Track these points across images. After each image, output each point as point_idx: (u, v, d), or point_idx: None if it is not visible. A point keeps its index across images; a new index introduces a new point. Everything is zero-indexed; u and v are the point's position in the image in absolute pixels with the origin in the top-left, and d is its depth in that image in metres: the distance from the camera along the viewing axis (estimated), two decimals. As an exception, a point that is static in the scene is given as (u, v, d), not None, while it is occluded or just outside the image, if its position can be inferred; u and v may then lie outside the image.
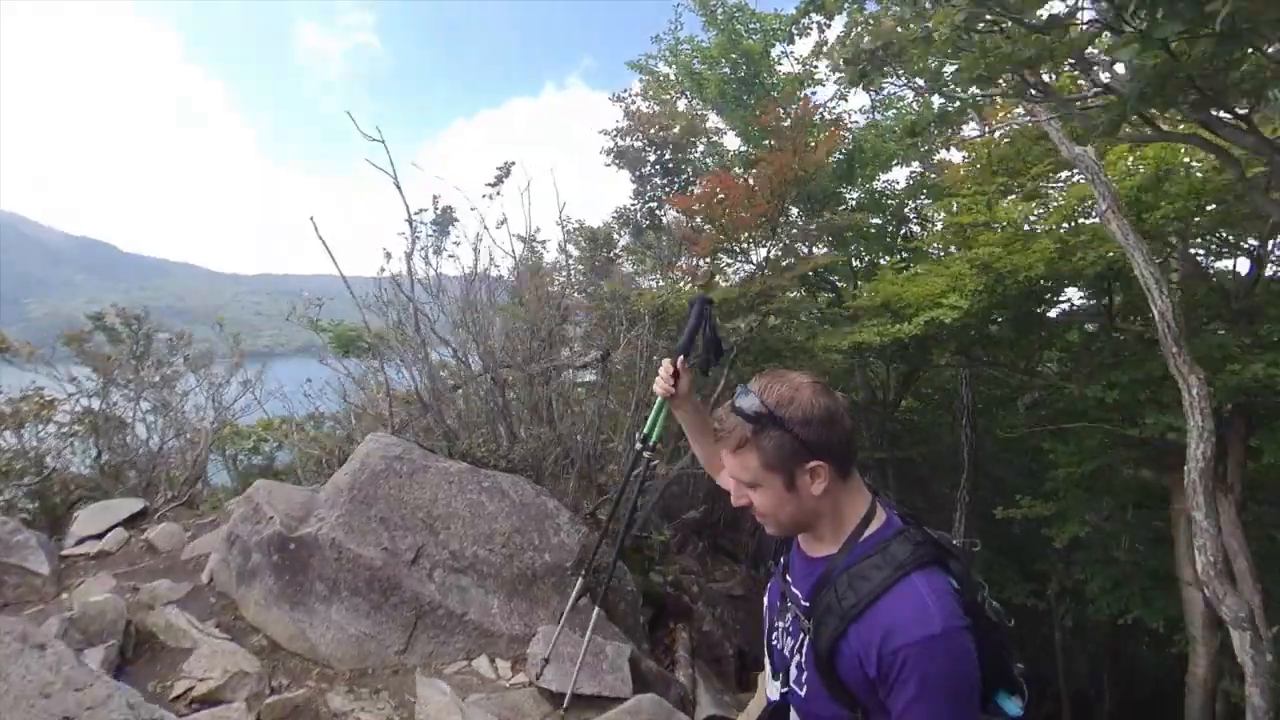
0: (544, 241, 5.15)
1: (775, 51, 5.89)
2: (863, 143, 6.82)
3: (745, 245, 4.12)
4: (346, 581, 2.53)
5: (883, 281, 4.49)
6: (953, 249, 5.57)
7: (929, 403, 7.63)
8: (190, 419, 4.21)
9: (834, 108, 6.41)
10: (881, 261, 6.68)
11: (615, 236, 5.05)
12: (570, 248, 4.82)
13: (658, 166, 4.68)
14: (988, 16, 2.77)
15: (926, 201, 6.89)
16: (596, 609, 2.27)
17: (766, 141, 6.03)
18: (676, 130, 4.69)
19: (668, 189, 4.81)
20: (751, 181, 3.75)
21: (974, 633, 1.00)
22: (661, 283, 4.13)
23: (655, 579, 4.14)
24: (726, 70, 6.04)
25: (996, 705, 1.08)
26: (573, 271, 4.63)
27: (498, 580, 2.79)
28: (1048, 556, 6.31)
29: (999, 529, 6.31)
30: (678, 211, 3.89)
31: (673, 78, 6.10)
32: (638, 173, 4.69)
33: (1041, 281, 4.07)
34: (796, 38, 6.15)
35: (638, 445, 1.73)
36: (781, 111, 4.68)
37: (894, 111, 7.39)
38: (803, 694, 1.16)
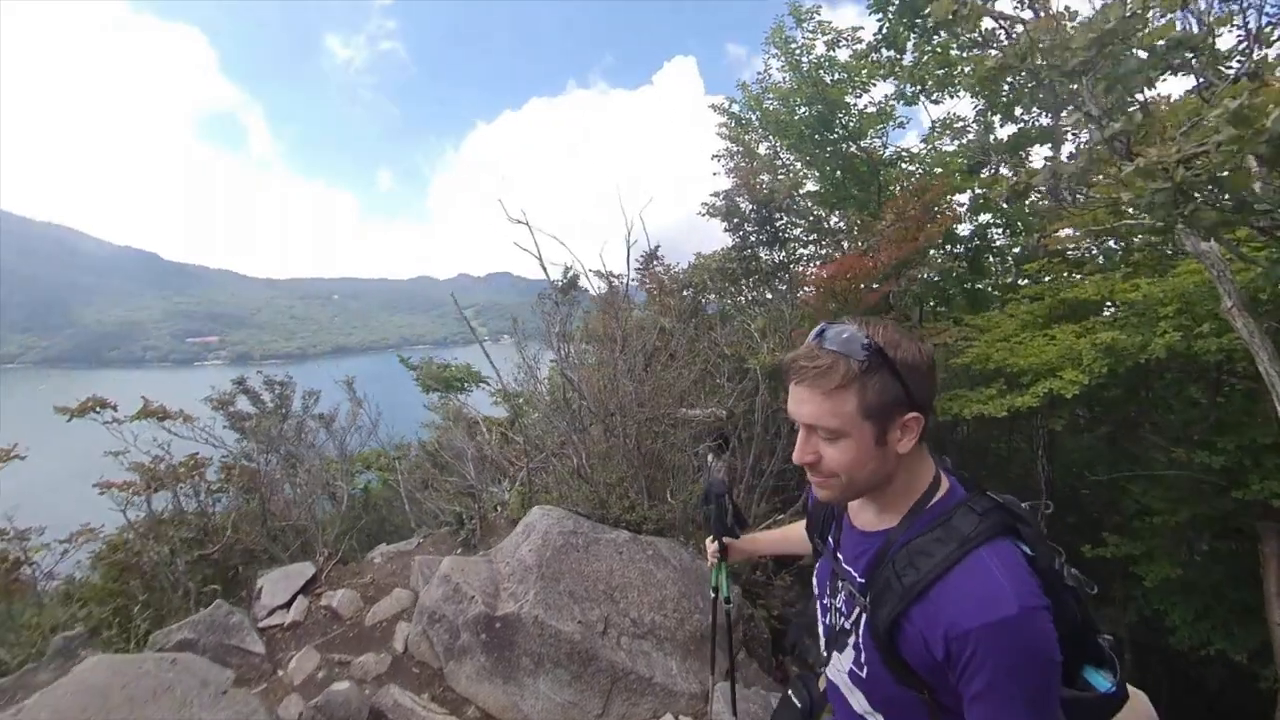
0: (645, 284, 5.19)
1: (853, 99, 5.86)
2: (931, 175, 6.79)
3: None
4: (549, 655, 2.60)
5: (991, 347, 4.42)
6: (1026, 294, 5.51)
7: (998, 427, 7.56)
8: (327, 475, 4.29)
9: (917, 155, 6.37)
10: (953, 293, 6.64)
11: (707, 282, 5.08)
12: (667, 299, 4.88)
13: (753, 218, 4.70)
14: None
15: (998, 233, 6.82)
16: (754, 664, 2.35)
17: (850, 187, 6.02)
18: (767, 179, 4.70)
19: (760, 239, 4.83)
20: (876, 262, 3.74)
21: (1052, 610, 0.88)
22: (776, 346, 4.12)
23: (761, 613, 4.17)
24: (804, 112, 6.05)
25: (1085, 681, 0.96)
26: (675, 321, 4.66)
27: (674, 643, 2.87)
28: (1126, 584, 6.22)
29: (1079, 557, 6.24)
30: (810, 286, 3.88)
31: (755, 122, 6.13)
32: (735, 223, 4.71)
33: (1159, 359, 3.98)
34: (871, 78, 6.16)
35: (712, 594, 1.83)
36: (896, 189, 4.64)
37: (949, 136, 7.35)
38: (864, 675, 1.04)
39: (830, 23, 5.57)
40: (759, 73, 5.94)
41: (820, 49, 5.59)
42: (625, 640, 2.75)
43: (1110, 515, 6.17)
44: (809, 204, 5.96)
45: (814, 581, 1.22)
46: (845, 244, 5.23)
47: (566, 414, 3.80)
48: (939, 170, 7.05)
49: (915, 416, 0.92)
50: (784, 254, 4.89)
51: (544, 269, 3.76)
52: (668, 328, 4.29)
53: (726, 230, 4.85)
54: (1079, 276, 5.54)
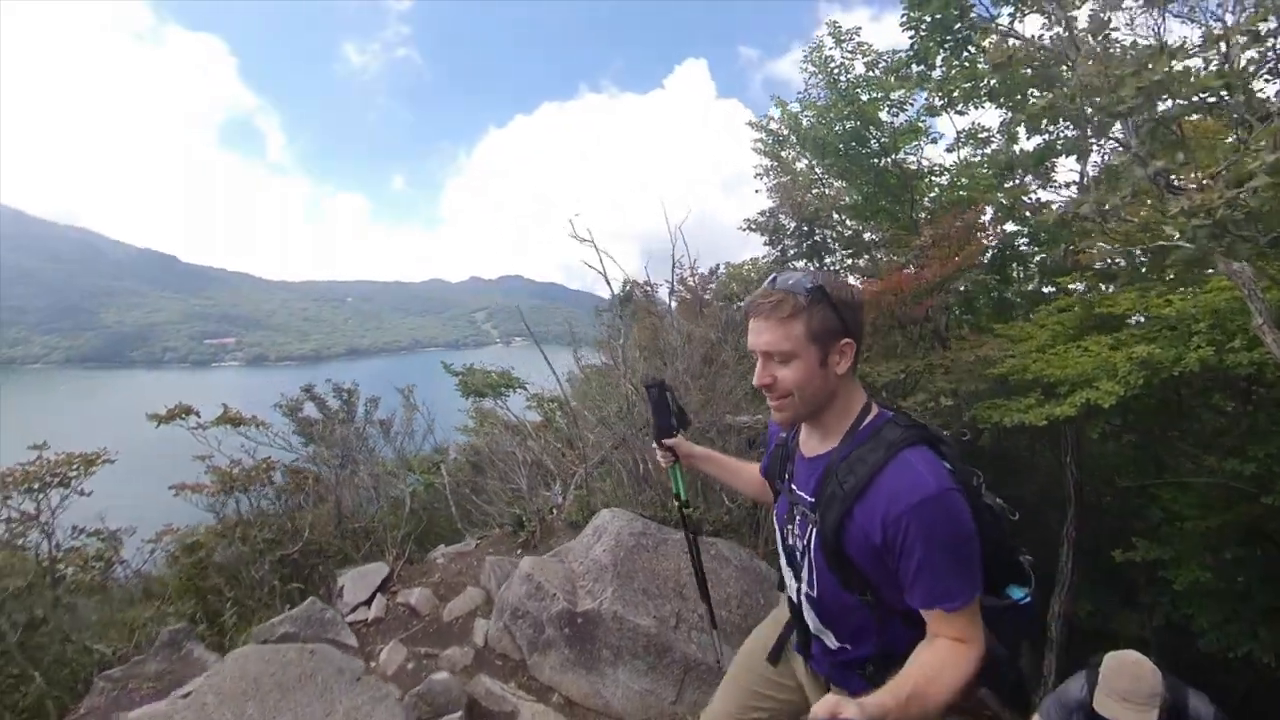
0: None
1: (886, 115, 5.98)
2: (958, 185, 6.89)
3: (905, 330, 4.22)
4: (627, 647, 2.74)
5: (1028, 357, 4.51)
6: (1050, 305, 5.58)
7: (1024, 434, 7.63)
8: (390, 479, 4.45)
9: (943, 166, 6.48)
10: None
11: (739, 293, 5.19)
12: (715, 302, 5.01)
13: (793, 233, 4.82)
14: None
15: (1024, 242, 6.90)
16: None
17: (882, 200, 6.14)
18: (811, 198, 4.81)
19: (799, 252, 4.95)
20: (921, 278, 3.86)
21: (966, 497, 1.04)
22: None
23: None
24: (840, 128, 6.17)
25: (1005, 593, 1.14)
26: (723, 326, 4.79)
27: (739, 635, 2.98)
28: (1153, 589, 6.26)
29: (1107, 561, 6.28)
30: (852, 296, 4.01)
31: (792, 139, 6.27)
32: (774, 239, 4.84)
33: (1191, 372, 4.07)
34: (906, 95, 6.27)
35: (680, 508, 1.85)
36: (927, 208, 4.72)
37: (973, 145, 7.44)
38: (815, 593, 1.21)
39: (869, 44, 5.71)
40: (799, 92, 6.08)
41: (859, 69, 5.72)
42: (695, 634, 2.88)
43: (1138, 520, 6.22)
44: (844, 217, 6.07)
45: (774, 520, 1.40)
46: (880, 256, 5.33)
47: (627, 420, 3.94)
48: (966, 181, 7.16)
49: (849, 342, 1.11)
50: (820, 266, 5.00)
51: (608, 283, 3.91)
52: (714, 339, 4.41)
53: (766, 244, 4.99)
54: (1109, 288, 5.62)
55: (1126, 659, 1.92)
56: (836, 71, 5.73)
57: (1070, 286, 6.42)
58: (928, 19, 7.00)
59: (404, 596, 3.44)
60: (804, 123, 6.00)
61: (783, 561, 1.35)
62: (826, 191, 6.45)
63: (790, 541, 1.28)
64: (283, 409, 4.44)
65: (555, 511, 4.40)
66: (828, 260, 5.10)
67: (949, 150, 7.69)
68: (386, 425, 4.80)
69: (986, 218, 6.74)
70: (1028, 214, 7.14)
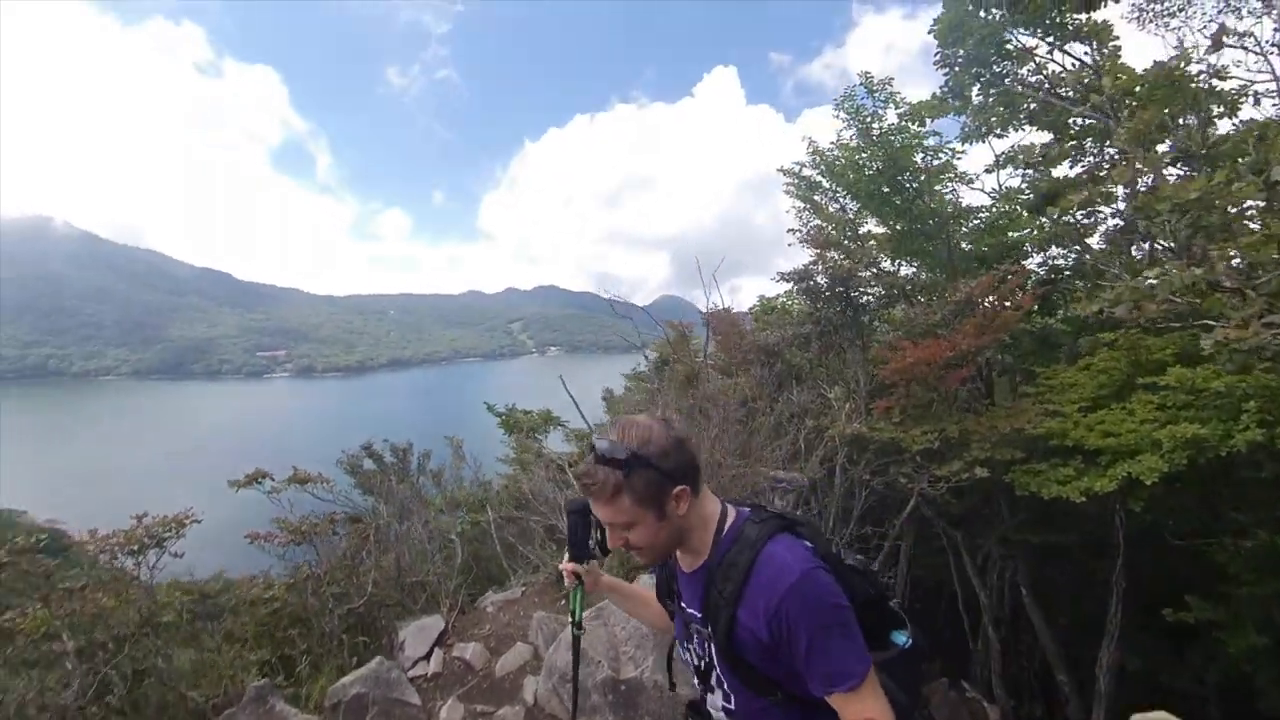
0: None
1: (919, 157, 6.00)
2: (997, 217, 6.82)
3: (943, 397, 4.24)
4: (667, 714, 2.88)
5: (1069, 421, 4.44)
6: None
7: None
8: (441, 527, 4.71)
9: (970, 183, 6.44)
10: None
11: (787, 353, 5.27)
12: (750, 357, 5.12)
13: (826, 294, 4.88)
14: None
15: (1067, 272, 6.77)
16: None
17: (918, 239, 6.14)
18: (844, 258, 4.87)
19: (835, 314, 4.99)
20: (956, 348, 3.87)
21: (830, 571, 1.09)
22: (853, 413, 4.30)
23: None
24: (870, 169, 6.23)
25: (890, 641, 1.18)
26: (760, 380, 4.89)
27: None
28: (1209, 644, 6.00)
29: (1159, 622, 6.06)
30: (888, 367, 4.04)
31: (824, 183, 6.35)
32: (810, 298, 4.91)
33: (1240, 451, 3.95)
34: (936, 134, 6.29)
35: (571, 627, 1.74)
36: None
37: (1012, 167, 7.34)
38: (732, 706, 1.22)
39: (901, 94, 5.77)
40: (832, 141, 6.16)
41: (891, 118, 5.78)
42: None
43: (1192, 571, 5.99)
44: (880, 255, 6.11)
45: (676, 640, 1.41)
46: (917, 307, 5.34)
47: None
48: (1004, 211, 7.06)
49: (683, 489, 1.14)
50: (857, 315, 5.05)
51: (645, 356, 4.06)
52: (749, 396, 4.52)
53: (800, 292, 5.06)
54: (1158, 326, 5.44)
55: None
56: (869, 120, 5.80)
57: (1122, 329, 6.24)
58: (963, 53, 7.02)
59: (459, 650, 3.66)
60: (836, 166, 6.07)
61: (695, 682, 1.35)
62: (860, 230, 6.48)
63: (694, 662, 1.31)
64: (344, 465, 4.77)
65: (597, 565, 4.57)
66: (864, 319, 5.13)
67: (987, 171, 7.62)
68: (438, 477, 5.08)
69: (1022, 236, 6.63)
70: (1071, 244, 7.01)
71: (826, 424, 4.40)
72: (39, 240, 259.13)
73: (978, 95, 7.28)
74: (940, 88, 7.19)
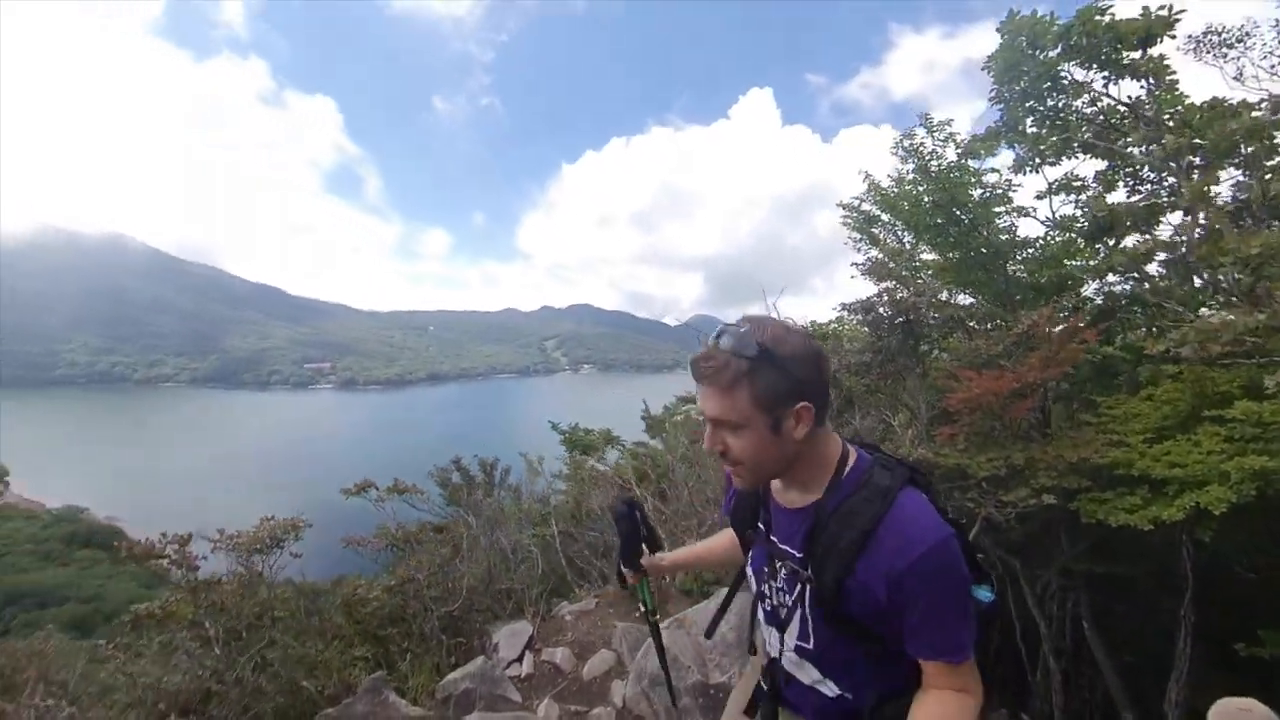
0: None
1: (975, 191, 6.13)
2: (1054, 248, 6.84)
3: (1006, 425, 4.34)
4: None
5: (1135, 451, 4.48)
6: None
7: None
8: (519, 539, 4.98)
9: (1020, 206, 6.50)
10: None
11: (845, 380, 5.42)
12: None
13: (886, 324, 5.04)
14: None
15: (1124, 299, 6.73)
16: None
17: (974, 270, 6.23)
18: (909, 293, 5.02)
19: (899, 338, 5.15)
20: (1021, 381, 3.99)
21: (959, 539, 1.00)
22: (916, 439, 4.43)
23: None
24: (925, 201, 6.37)
25: (974, 597, 1.05)
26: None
27: None
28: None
29: (1232, 657, 5.87)
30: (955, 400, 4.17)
31: (882, 216, 6.54)
32: (873, 330, 5.08)
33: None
34: (992, 169, 6.42)
35: (648, 618, 1.79)
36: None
37: (1065, 193, 7.34)
38: (811, 645, 1.13)
39: (958, 133, 5.95)
40: (890, 176, 6.36)
41: (950, 156, 5.95)
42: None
43: (1265, 610, 5.79)
44: (937, 284, 6.22)
45: (748, 572, 1.28)
46: (978, 337, 5.44)
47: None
48: (1059, 239, 7.07)
49: (805, 406, 1.00)
50: (917, 344, 5.18)
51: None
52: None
53: (861, 324, 5.23)
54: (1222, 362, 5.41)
55: (1231, 705, 1.82)
56: (928, 158, 5.98)
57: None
58: (1018, 87, 7.13)
59: (548, 655, 3.90)
60: (890, 197, 6.24)
61: (761, 616, 1.25)
62: (918, 261, 6.60)
63: (774, 599, 1.20)
64: (435, 478, 5.12)
65: (668, 579, 4.77)
66: (923, 347, 5.25)
67: (1038, 197, 7.64)
68: (516, 491, 5.39)
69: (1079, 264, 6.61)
70: (1129, 271, 6.96)
71: (890, 448, 4.53)
72: (115, 255, 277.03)
73: (1031, 126, 7.37)
74: (995, 122, 7.31)
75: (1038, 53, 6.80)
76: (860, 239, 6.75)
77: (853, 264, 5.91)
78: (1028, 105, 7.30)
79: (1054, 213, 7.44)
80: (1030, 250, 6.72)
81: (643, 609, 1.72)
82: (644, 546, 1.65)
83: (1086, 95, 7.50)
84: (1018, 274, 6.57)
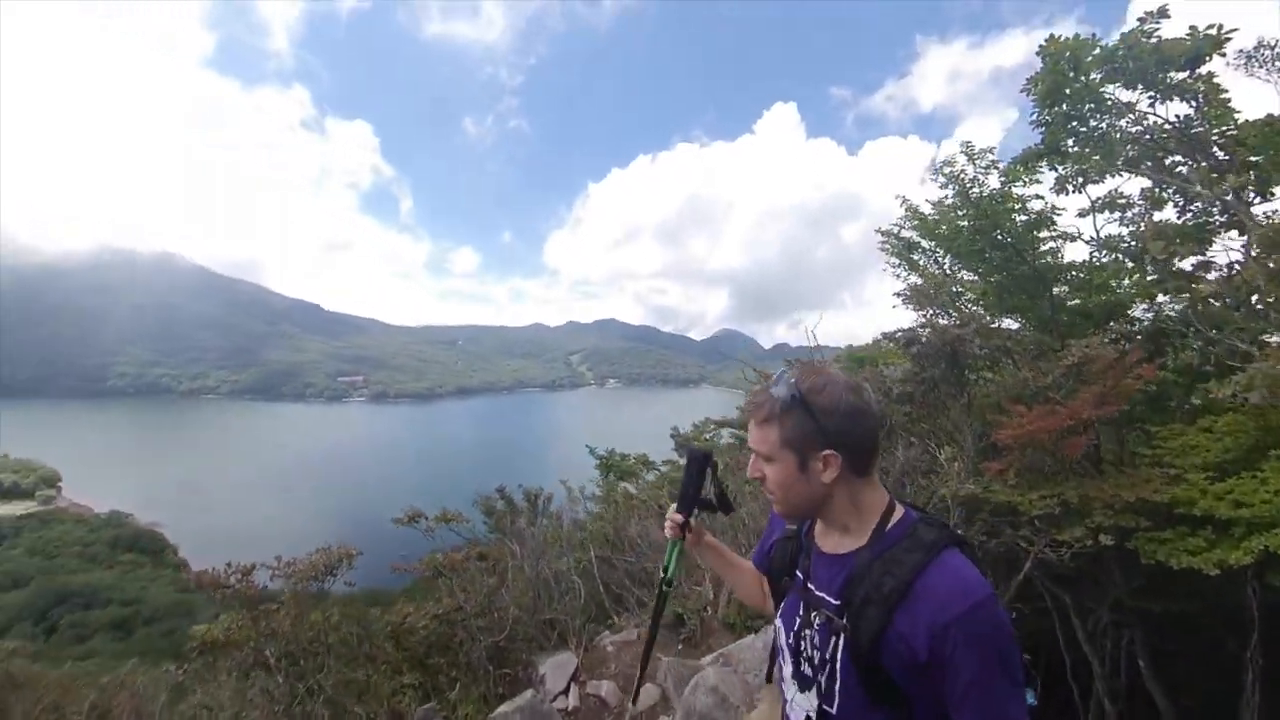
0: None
1: (1017, 215, 6.03)
2: (1100, 273, 6.67)
3: (1058, 460, 4.22)
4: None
5: (1196, 488, 4.30)
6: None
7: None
8: (559, 566, 5.02)
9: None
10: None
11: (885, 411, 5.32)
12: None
13: (931, 353, 4.95)
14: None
15: (1173, 319, 6.50)
16: None
17: (1018, 295, 6.11)
18: (954, 325, 4.93)
19: (946, 370, 5.04)
20: (1075, 417, 3.88)
21: (999, 604, 0.96)
22: (963, 474, 4.34)
23: None
24: (963, 225, 6.28)
25: (1023, 666, 0.99)
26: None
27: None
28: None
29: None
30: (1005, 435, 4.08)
31: (921, 243, 6.47)
32: (917, 361, 5.01)
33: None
34: (1032, 194, 6.31)
35: (660, 584, 1.60)
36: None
37: (1108, 211, 7.14)
38: (834, 710, 1.06)
39: (1000, 160, 5.87)
40: (932, 203, 6.31)
41: (993, 183, 5.88)
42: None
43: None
44: (986, 314, 6.11)
45: (777, 624, 1.24)
46: (1018, 351, 5.31)
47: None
48: (1106, 260, 6.88)
49: (831, 454, 1.05)
50: (961, 374, 5.08)
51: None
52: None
53: (906, 356, 5.15)
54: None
55: None
56: (970, 186, 5.91)
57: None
58: (1060, 109, 7.02)
59: (593, 688, 3.91)
60: (929, 221, 6.17)
61: (788, 672, 1.19)
62: (959, 286, 6.49)
63: (804, 650, 1.15)
64: (480, 506, 5.21)
65: (708, 609, 4.74)
66: (969, 376, 5.14)
67: (1080, 215, 7.45)
68: (558, 518, 5.44)
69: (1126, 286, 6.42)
70: (1180, 292, 6.73)
71: (937, 483, 4.44)
72: (165, 273, 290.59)
73: (1073, 146, 7.23)
74: (1036, 144, 7.20)
75: (1080, 75, 6.70)
76: (899, 264, 6.68)
77: (895, 294, 5.85)
78: (1070, 126, 7.18)
79: (1098, 231, 7.26)
80: (1076, 273, 6.56)
81: (664, 572, 1.55)
82: (710, 502, 1.48)
83: (1131, 115, 7.35)
84: (1064, 298, 6.41)
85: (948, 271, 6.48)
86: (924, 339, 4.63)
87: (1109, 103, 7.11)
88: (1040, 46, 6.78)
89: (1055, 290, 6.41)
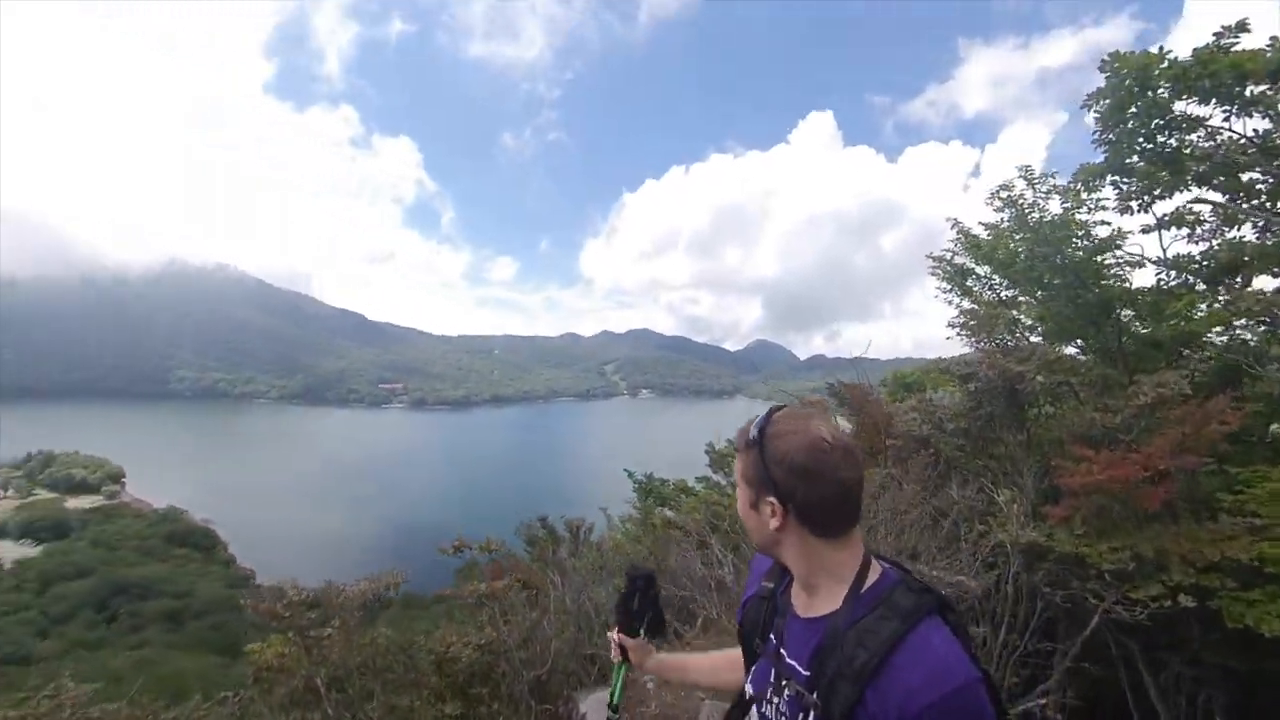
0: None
1: (1078, 240, 5.75)
2: (1171, 297, 6.28)
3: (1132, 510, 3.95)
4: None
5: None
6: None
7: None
8: (597, 597, 4.98)
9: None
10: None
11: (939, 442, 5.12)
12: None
13: (988, 388, 4.73)
14: None
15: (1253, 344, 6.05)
16: None
17: (1079, 323, 5.82)
18: (1017, 363, 4.70)
19: (1005, 406, 4.82)
20: (1149, 465, 3.62)
21: (986, 684, 0.89)
22: (1023, 518, 4.12)
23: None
24: (1023, 252, 6.03)
25: None
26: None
27: None
28: None
29: None
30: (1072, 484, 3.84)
31: (978, 272, 6.24)
32: (974, 395, 4.80)
33: None
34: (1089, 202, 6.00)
35: (608, 713, 1.56)
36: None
37: (1176, 228, 6.73)
38: None
39: (1060, 185, 5.62)
40: (986, 225, 6.09)
41: (1055, 208, 5.63)
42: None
43: None
44: (1041, 338, 5.84)
45: (748, 687, 1.18)
46: (1088, 388, 5.03)
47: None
48: (1175, 279, 6.47)
49: (772, 502, 1.02)
50: (1021, 411, 4.84)
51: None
52: (913, 494, 4.46)
53: (963, 393, 4.95)
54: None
55: None
56: (1029, 211, 5.67)
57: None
58: (1126, 126, 6.68)
59: (637, 729, 3.84)
60: (984, 246, 5.94)
61: None
62: (1017, 312, 6.21)
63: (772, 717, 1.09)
64: (521, 534, 5.24)
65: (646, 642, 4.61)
66: (1029, 412, 4.87)
67: (1144, 232, 7.04)
68: (598, 547, 5.42)
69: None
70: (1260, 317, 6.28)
71: (995, 526, 4.22)
72: (220, 284, 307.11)
73: (1139, 161, 6.87)
74: (1097, 161, 6.87)
75: (1146, 91, 6.37)
76: (950, 289, 6.44)
77: (948, 324, 5.64)
78: (1137, 143, 6.83)
79: (1165, 250, 6.85)
80: (1143, 298, 6.19)
81: (610, 699, 1.53)
82: (636, 624, 1.51)
83: (1203, 130, 6.94)
84: (1130, 325, 6.05)
85: (1003, 297, 6.21)
86: (982, 375, 4.42)
87: (1179, 118, 6.74)
88: (1103, 62, 6.49)
89: (1123, 314, 6.06)
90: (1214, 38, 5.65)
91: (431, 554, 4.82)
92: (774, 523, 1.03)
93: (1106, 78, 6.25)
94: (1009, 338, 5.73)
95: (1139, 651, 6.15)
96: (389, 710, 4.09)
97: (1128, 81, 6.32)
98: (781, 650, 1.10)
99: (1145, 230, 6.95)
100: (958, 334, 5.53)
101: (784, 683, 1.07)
